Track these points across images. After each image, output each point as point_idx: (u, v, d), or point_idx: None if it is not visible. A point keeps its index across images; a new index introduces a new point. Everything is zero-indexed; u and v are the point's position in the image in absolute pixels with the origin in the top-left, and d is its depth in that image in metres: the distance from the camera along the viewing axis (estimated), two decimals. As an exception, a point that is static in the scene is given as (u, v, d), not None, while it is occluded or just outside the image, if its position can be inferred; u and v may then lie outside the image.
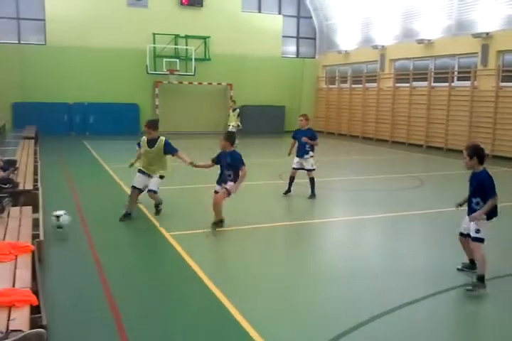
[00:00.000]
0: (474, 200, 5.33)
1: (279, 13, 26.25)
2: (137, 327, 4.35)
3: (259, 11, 25.91)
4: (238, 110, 18.74)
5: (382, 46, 22.07)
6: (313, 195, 9.78)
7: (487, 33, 16.96)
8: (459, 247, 5.69)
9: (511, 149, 16.30)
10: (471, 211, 5.33)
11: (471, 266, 5.71)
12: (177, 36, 23.26)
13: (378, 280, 5.63)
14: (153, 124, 7.86)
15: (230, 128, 17.83)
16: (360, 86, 23.55)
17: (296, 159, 9.82)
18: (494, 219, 5.32)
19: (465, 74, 18.31)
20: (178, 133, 22.75)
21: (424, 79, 19.87)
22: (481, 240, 5.26)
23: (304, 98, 26.65)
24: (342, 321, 4.52)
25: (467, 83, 18.03)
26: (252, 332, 4.24)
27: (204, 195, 8.50)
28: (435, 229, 7.99)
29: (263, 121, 24.52)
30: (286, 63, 26.25)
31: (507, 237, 7.31)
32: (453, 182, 11.47)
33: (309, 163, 9.80)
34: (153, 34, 22.57)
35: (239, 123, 18.42)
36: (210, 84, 24.15)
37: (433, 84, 19.47)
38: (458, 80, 18.73)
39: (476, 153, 5.24)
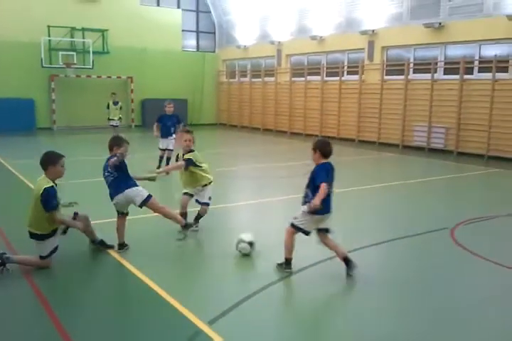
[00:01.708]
0: (305, 192, 5.32)
1: (178, 7, 26.44)
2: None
3: (158, 5, 25.94)
4: (120, 103, 17.95)
5: (279, 42, 23.03)
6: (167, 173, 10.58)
7: (373, 30, 18.41)
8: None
9: (395, 136, 17.91)
10: (303, 203, 5.27)
11: (285, 264, 5.44)
12: (73, 29, 22.70)
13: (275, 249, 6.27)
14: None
15: (116, 123, 17.41)
16: (260, 80, 24.40)
17: (162, 140, 11.63)
18: (327, 215, 5.22)
19: (354, 69, 19.72)
20: (76, 128, 22.33)
21: (318, 74, 21.09)
22: (295, 228, 5.23)
23: (206, 91, 27.11)
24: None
25: (356, 77, 19.44)
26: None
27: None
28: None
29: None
30: (187, 57, 26.51)
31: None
32: (344, 166, 12.48)
33: (171, 144, 11.67)
34: (48, 26, 21.84)
35: (120, 116, 17.80)
36: (110, 77, 23.85)
37: (325, 78, 20.74)
38: (348, 74, 20.11)
39: (318, 147, 5.25)
